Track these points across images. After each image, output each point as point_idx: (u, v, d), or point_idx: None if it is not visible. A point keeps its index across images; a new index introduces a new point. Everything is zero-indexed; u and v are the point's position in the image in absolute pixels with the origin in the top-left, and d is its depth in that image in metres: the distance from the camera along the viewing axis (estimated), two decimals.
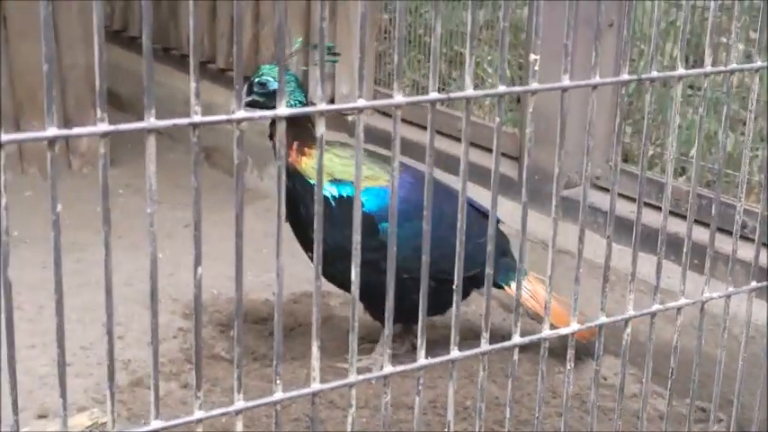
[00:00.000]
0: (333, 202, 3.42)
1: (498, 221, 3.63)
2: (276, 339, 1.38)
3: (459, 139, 4.27)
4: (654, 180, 3.63)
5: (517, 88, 1.41)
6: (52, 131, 1.10)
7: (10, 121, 5.16)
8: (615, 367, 3.58)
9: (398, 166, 1.33)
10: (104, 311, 4.00)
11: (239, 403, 1.31)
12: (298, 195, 3.45)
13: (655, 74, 1.53)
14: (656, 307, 1.65)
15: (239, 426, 1.33)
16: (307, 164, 3.41)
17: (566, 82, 1.45)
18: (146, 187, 1.20)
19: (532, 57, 1.41)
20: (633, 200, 3.58)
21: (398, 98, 1.33)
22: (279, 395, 1.34)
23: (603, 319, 1.60)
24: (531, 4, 4.15)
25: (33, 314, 3.95)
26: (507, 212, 3.90)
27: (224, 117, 1.20)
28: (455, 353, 1.45)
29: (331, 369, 3.56)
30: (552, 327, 3.58)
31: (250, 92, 3.38)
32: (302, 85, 3.48)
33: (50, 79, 1.06)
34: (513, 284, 3.62)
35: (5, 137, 1.06)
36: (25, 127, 5.31)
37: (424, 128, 4.79)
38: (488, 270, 1.46)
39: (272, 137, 3.35)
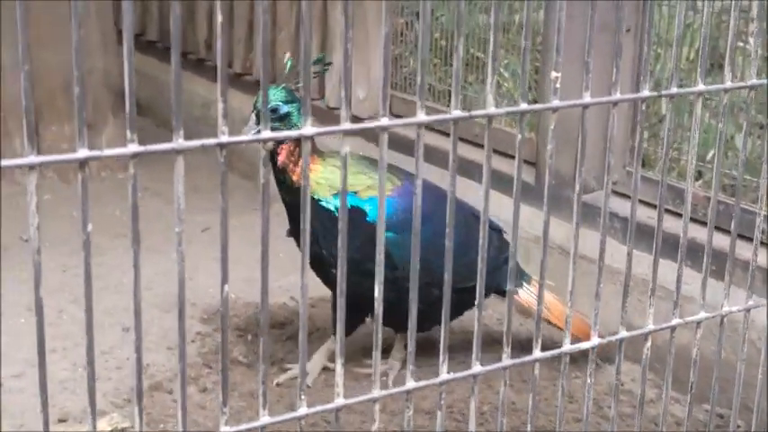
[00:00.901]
0: (338, 214, 3.43)
1: (501, 231, 3.64)
2: (300, 359, 1.40)
3: (475, 144, 4.31)
4: (671, 186, 3.62)
5: (539, 106, 1.42)
6: (83, 153, 1.11)
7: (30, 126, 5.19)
8: (632, 373, 3.59)
9: (420, 183, 1.35)
10: (123, 315, 4.02)
11: (265, 419, 1.33)
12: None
13: (674, 90, 1.54)
14: (676, 321, 1.66)
15: None
16: (313, 179, 3.41)
17: (587, 99, 1.46)
18: (174, 206, 1.22)
19: (554, 74, 1.42)
20: (649, 205, 3.61)
21: (421, 116, 1.35)
22: (303, 410, 1.36)
23: (624, 334, 1.61)
24: (550, 20, 4.14)
25: (53, 318, 3.98)
26: (525, 218, 3.90)
27: (251, 137, 1.22)
28: (477, 367, 1.47)
29: (350, 374, 3.58)
30: (558, 329, 3.61)
31: (259, 119, 3.38)
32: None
33: (81, 102, 1.07)
34: (520, 290, 3.63)
35: (37, 158, 1.07)
36: (44, 132, 5.35)
37: (441, 132, 4.79)
38: (510, 286, 1.48)
39: (272, 157, 3.37)
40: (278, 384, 3.59)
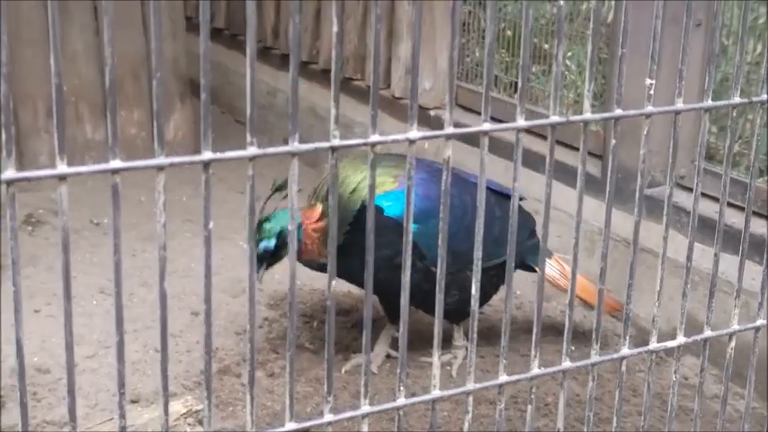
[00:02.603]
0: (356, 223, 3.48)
1: (521, 198, 3.66)
2: (401, 350, 1.45)
3: (538, 135, 4.32)
4: (737, 180, 3.60)
5: (632, 112, 1.46)
6: (208, 155, 1.17)
7: (99, 110, 5.30)
8: (696, 367, 3.61)
9: (517, 187, 1.39)
10: (192, 299, 4.10)
11: (365, 408, 1.38)
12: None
13: (765, 97, 1.57)
14: (760, 322, 1.70)
15: (365, 427, 1.41)
16: (312, 253, 3.51)
17: (679, 105, 1.50)
18: (288, 205, 1.28)
19: (648, 81, 1.46)
20: (717, 200, 3.61)
21: (521, 122, 1.39)
22: (402, 401, 1.41)
23: (709, 333, 1.65)
24: (626, 20, 4.15)
25: (125, 301, 4.06)
26: (590, 210, 3.94)
27: (360, 141, 1.27)
28: (567, 363, 1.51)
29: (414, 363, 3.64)
30: (582, 300, 3.70)
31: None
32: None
33: (207, 109, 1.13)
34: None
35: (119, 164, 1.13)
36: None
37: (498, 120, 4.84)
38: (600, 285, 1.52)
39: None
40: (345, 372, 3.65)
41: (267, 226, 3.46)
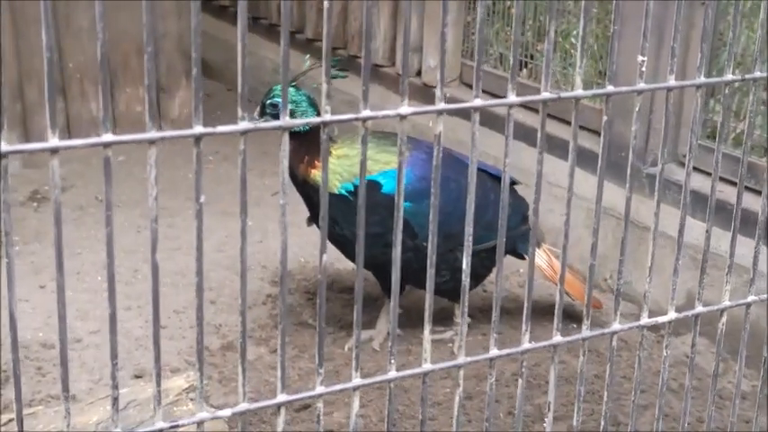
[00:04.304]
0: (351, 197, 3.48)
1: (514, 182, 3.67)
2: (392, 324, 1.47)
3: (535, 110, 4.32)
4: (736, 157, 3.59)
5: (624, 88, 1.47)
6: (199, 129, 1.19)
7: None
8: (697, 344, 3.62)
9: (507, 165, 1.40)
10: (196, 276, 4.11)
11: (356, 380, 1.40)
12: (316, 205, 3.50)
13: (758, 74, 1.58)
14: (751, 298, 1.71)
15: (356, 401, 1.42)
16: (317, 175, 3.49)
17: (671, 82, 1.51)
18: (279, 180, 1.29)
19: (640, 58, 1.47)
20: (722, 180, 3.60)
21: (512, 98, 1.40)
22: (393, 374, 1.43)
23: (700, 309, 1.66)
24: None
25: (129, 277, 4.10)
26: (591, 187, 3.94)
27: (352, 116, 1.29)
28: (557, 338, 1.53)
29: (417, 339, 3.66)
30: (569, 297, 3.74)
31: (263, 113, 3.46)
32: (315, 104, 3.53)
33: (199, 84, 1.14)
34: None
35: (157, 134, 1.15)
36: (119, 94, 5.47)
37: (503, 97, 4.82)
38: (591, 261, 1.53)
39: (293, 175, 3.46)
40: (349, 349, 3.67)
41: (293, 91, 3.47)
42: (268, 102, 3.46)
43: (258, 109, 3.47)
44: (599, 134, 4.15)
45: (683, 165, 3.91)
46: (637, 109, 1.49)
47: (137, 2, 5.09)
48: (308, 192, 3.54)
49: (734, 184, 3.51)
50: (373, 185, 3.45)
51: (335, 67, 3.65)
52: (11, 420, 3.01)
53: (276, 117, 3.46)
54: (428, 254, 1.44)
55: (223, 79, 6.14)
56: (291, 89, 3.44)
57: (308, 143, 3.42)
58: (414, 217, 3.40)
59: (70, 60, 5.29)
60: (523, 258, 3.81)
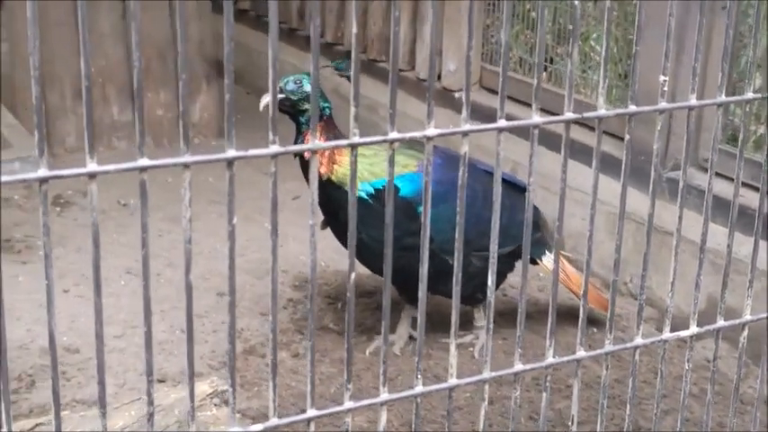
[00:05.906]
0: (371, 200, 3.46)
1: (524, 189, 3.68)
2: (419, 340, 1.49)
3: (556, 113, 4.34)
4: (758, 162, 3.60)
5: (646, 108, 1.49)
6: (232, 153, 1.22)
7: (125, 91, 5.35)
8: (722, 351, 3.62)
9: (532, 177, 1.43)
10: (218, 280, 4.14)
11: (384, 395, 1.43)
12: (335, 204, 3.46)
13: None
14: None
15: (383, 416, 1.45)
16: (339, 171, 3.45)
17: (692, 101, 1.53)
18: (309, 201, 1.32)
19: (662, 78, 1.49)
20: (744, 185, 3.60)
21: (536, 118, 1.42)
22: (419, 389, 1.46)
23: (722, 323, 1.68)
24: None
25: (151, 282, 4.12)
26: (612, 192, 3.95)
27: (380, 138, 1.31)
28: (581, 353, 1.56)
29: (437, 345, 3.68)
30: (575, 295, 3.75)
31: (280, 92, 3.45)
32: (324, 95, 3.55)
33: (231, 108, 1.17)
34: (545, 258, 3.83)
35: (191, 158, 1.17)
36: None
37: (528, 104, 4.86)
38: (614, 276, 1.56)
39: (301, 158, 3.36)
40: (369, 353, 3.69)
41: (305, 80, 3.49)
42: (292, 86, 3.46)
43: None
44: (619, 138, 4.19)
45: (702, 169, 3.92)
46: (658, 128, 1.51)
47: (158, 2, 5.08)
48: (329, 190, 3.47)
49: (754, 188, 3.54)
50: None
51: (341, 68, 3.67)
52: (37, 425, 3.05)
53: (295, 94, 3.49)
54: (454, 270, 1.46)
55: (242, 82, 6.18)
56: (304, 77, 3.47)
57: (326, 132, 3.43)
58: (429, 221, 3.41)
59: (92, 65, 5.33)
60: (536, 263, 3.83)
